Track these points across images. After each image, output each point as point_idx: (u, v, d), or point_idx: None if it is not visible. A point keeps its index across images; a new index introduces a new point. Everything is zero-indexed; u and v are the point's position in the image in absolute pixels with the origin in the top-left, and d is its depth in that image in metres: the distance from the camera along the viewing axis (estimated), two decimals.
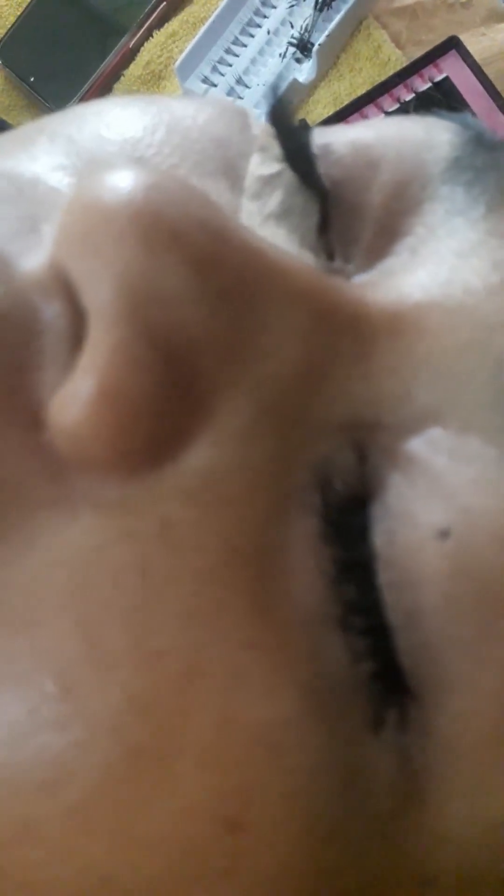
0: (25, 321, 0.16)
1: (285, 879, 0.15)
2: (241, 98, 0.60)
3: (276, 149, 0.21)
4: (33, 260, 0.17)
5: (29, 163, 0.20)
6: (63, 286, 0.17)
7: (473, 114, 0.56)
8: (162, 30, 0.65)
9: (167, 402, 0.16)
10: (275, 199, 0.20)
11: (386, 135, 0.21)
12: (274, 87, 0.21)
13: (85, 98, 0.67)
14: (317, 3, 0.56)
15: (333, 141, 0.21)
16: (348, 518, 0.16)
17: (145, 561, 0.16)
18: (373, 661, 0.16)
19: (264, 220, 0.20)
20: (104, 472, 0.16)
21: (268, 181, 0.20)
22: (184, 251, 0.16)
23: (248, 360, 0.17)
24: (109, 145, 0.20)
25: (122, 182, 0.16)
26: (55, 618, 0.15)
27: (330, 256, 0.20)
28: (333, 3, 0.56)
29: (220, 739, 0.15)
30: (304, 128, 0.21)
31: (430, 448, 0.17)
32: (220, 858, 0.15)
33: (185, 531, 0.16)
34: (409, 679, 0.16)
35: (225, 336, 0.16)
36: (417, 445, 0.17)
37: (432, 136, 0.21)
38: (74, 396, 0.16)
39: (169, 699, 0.15)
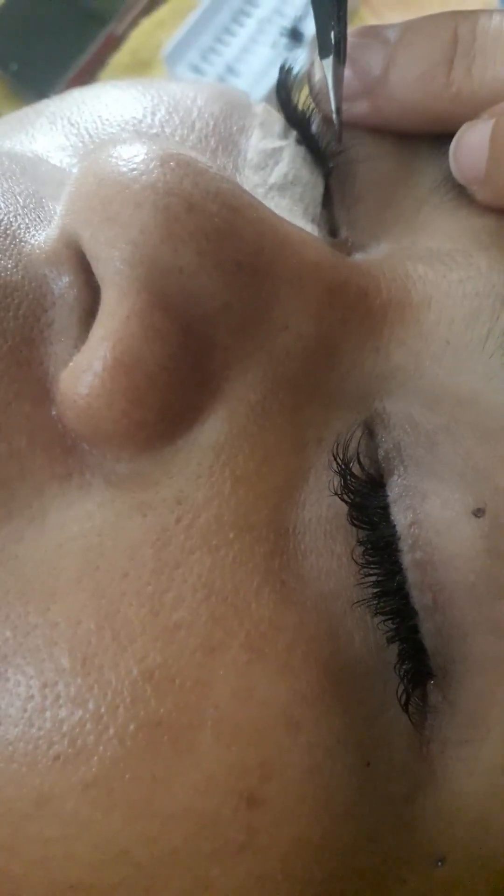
0: (35, 294, 0.16)
1: (299, 855, 0.15)
2: None
3: (276, 125, 0.21)
4: (42, 233, 0.17)
5: (29, 143, 0.20)
6: (73, 257, 0.16)
7: None
8: (150, 18, 0.65)
9: (182, 373, 0.16)
10: (279, 171, 0.20)
11: None
12: (282, 70, 0.21)
13: (69, 86, 0.66)
14: None
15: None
16: (370, 499, 0.16)
17: (161, 535, 0.15)
18: (395, 643, 0.16)
19: (268, 190, 0.20)
20: (117, 445, 0.16)
21: (271, 154, 0.21)
22: (200, 221, 0.15)
23: (261, 334, 0.16)
24: (110, 126, 0.20)
25: (137, 153, 0.16)
26: (70, 591, 0.15)
27: (333, 231, 0.20)
28: None
29: (239, 713, 0.15)
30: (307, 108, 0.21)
31: (452, 423, 0.16)
32: (236, 833, 0.15)
33: (199, 506, 0.16)
34: (433, 660, 0.16)
35: (239, 308, 0.16)
36: (438, 421, 0.16)
37: None
38: (88, 365, 0.15)
39: (188, 672, 0.15)
